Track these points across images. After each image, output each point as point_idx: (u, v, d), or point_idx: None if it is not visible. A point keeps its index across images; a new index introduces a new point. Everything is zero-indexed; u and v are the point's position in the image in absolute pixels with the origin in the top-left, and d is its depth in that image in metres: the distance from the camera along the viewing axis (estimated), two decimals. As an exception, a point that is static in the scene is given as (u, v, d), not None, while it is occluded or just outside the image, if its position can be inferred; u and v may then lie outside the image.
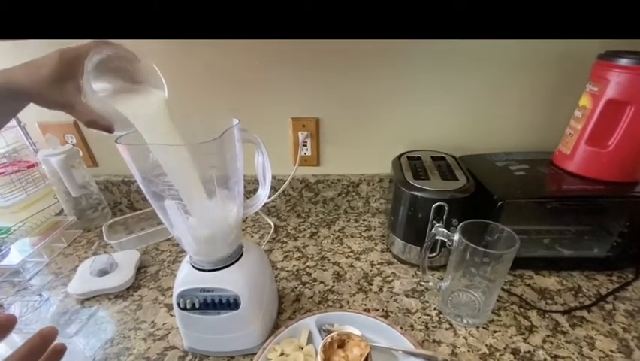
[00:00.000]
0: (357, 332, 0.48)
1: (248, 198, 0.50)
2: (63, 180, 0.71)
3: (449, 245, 0.51)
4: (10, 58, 0.38)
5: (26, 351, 0.28)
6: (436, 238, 0.51)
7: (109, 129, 0.35)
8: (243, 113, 0.73)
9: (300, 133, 0.72)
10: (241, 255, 0.47)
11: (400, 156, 0.67)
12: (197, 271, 0.45)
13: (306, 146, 0.74)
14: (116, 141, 0.34)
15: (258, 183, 0.49)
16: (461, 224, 0.48)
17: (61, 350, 0.30)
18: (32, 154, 0.75)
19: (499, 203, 0.53)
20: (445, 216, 0.55)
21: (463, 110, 0.71)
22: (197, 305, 0.45)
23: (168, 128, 0.36)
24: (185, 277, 0.45)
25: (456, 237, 0.48)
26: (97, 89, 0.34)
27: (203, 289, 0.45)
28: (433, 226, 0.55)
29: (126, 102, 0.35)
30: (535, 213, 0.57)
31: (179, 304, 0.46)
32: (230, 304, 0.45)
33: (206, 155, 0.38)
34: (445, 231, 0.50)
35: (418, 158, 0.66)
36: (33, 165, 0.74)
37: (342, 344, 0.40)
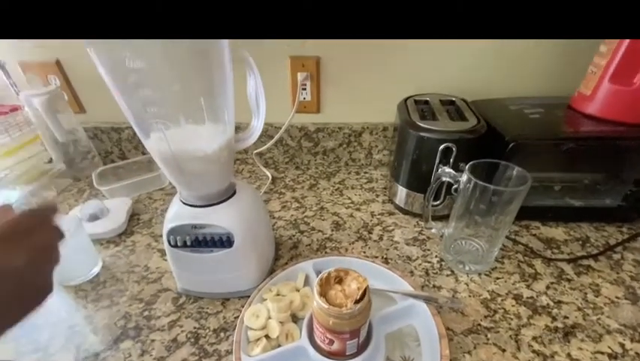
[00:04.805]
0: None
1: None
2: (48, 124, 0.67)
3: (454, 190, 0.48)
4: None
5: None
6: (442, 179, 0.48)
7: None
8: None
9: (299, 74, 0.67)
10: (234, 193, 0.45)
11: (406, 99, 0.63)
12: (187, 207, 0.43)
13: (305, 89, 0.69)
14: (87, 45, 0.29)
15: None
16: (470, 163, 0.45)
17: None
18: (14, 96, 0.70)
19: (511, 145, 0.50)
20: (452, 160, 0.52)
21: (476, 50, 0.66)
22: (188, 243, 0.43)
23: None
24: (175, 214, 0.43)
25: (464, 177, 0.45)
26: None
27: (194, 226, 0.42)
28: (439, 170, 0.52)
29: None
30: (549, 157, 0.53)
31: (169, 242, 0.43)
32: (224, 241, 0.43)
33: (190, 68, 0.34)
34: (452, 171, 0.47)
35: (426, 102, 0.62)
36: (16, 109, 0.70)
37: (339, 281, 0.38)
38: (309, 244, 0.58)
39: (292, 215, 0.65)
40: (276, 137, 0.67)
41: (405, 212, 0.63)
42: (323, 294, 0.36)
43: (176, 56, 0.32)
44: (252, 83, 0.39)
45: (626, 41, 0.49)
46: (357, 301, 0.34)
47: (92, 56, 0.30)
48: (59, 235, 0.30)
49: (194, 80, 0.34)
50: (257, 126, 0.42)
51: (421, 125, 0.52)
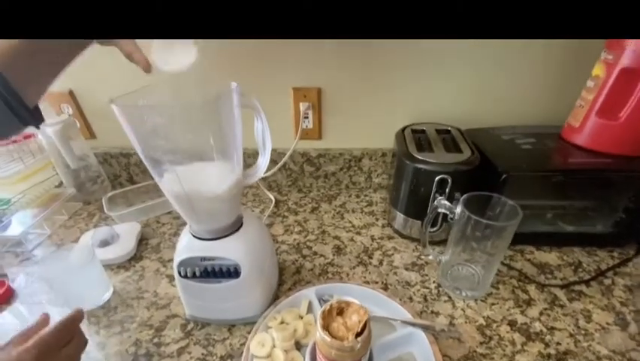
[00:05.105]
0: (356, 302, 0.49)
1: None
2: (61, 152, 0.70)
3: (451, 218, 0.50)
4: None
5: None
6: (438, 210, 0.51)
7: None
8: (242, 82, 0.70)
9: (301, 104, 0.71)
10: (241, 225, 0.47)
11: (403, 129, 0.66)
12: (197, 240, 0.45)
13: (307, 118, 0.72)
14: (110, 101, 0.32)
15: (257, 157, 0.48)
16: (464, 196, 0.48)
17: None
18: (29, 125, 0.74)
19: (504, 176, 0.52)
20: (447, 190, 0.54)
21: (471, 80, 0.69)
22: (197, 274, 0.46)
23: None
24: (186, 246, 0.45)
25: (458, 209, 0.48)
26: None
27: (203, 258, 0.45)
28: (435, 199, 0.54)
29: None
30: (540, 187, 0.56)
31: (179, 273, 0.46)
32: (231, 273, 0.45)
33: (203, 120, 0.36)
34: (448, 203, 0.49)
35: (423, 131, 0.64)
36: (30, 136, 0.73)
37: (341, 312, 0.40)
38: (312, 269, 0.60)
39: (295, 239, 0.67)
40: (280, 163, 0.70)
41: (404, 236, 0.66)
42: (325, 327, 0.38)
43: (191, 108, 0.35)
44: (259, 126, 0.42)
45: (613, 77, 0.52)
46: (358, 334, 0.36)
47: (115, 111, 0.33)
48: (84, 343, 0.35)
49: (207, 128, 0.37)
50: (263, 164, 0.45)
51: (418, 157, 0.55)
